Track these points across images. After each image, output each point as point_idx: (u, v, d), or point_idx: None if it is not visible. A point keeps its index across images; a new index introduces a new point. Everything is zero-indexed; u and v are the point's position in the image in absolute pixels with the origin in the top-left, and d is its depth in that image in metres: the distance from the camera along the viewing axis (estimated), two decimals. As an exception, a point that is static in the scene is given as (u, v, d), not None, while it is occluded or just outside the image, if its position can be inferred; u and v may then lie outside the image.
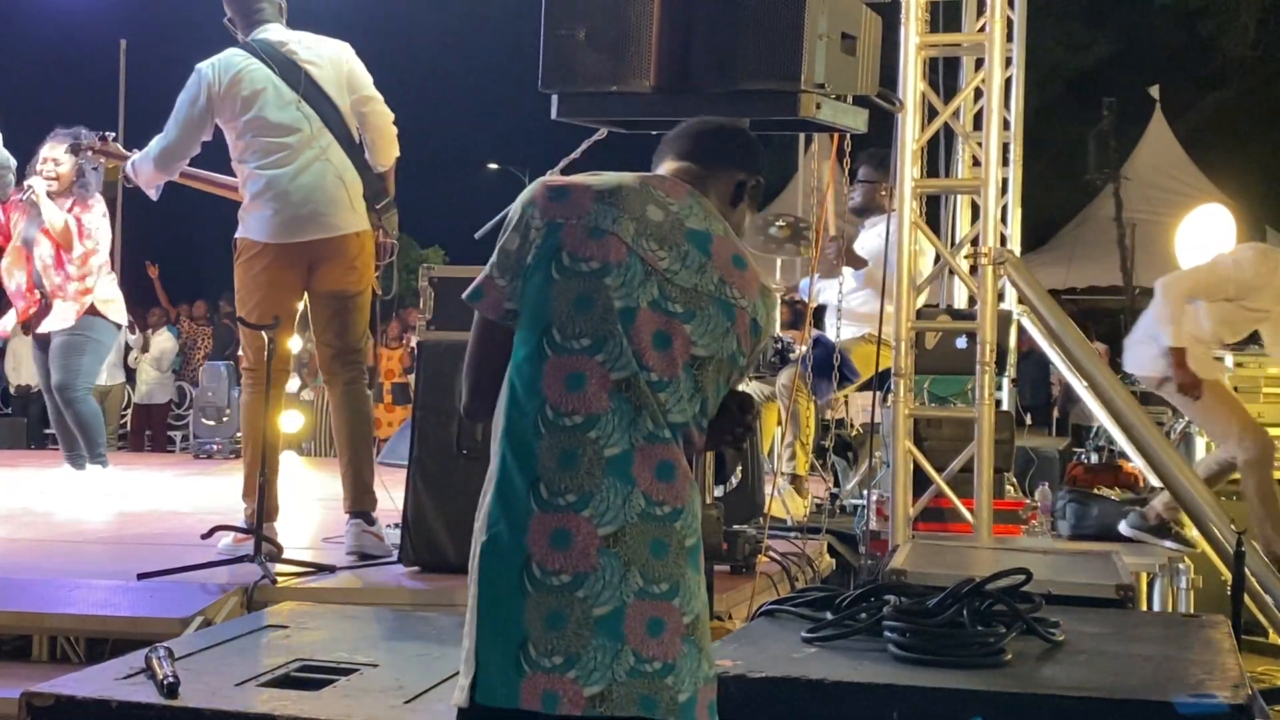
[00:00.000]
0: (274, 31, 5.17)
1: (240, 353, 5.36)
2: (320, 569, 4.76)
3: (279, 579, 4.56)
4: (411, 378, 12.75)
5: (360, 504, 5.11)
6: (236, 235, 5.15)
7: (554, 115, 4.08)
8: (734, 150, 2.51)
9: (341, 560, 4.97)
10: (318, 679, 3.26)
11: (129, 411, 13.98)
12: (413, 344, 13.09)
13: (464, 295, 2.33)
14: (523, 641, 2.16)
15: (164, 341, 13.97)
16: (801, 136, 11.38)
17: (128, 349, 13.13)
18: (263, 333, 4.91)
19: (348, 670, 3.33)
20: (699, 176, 2.43)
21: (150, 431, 13.94)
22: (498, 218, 6.76)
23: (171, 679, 3.06)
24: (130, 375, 13.78)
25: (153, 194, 5.41)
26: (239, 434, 10.25)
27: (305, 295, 5.15)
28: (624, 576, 2.18)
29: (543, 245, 2.26)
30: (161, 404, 14.01)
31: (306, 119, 5.07)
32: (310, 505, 7.03)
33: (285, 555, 4.86)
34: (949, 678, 2.83)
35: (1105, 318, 16.87)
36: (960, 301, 7.70)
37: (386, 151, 5.21)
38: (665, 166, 2.48)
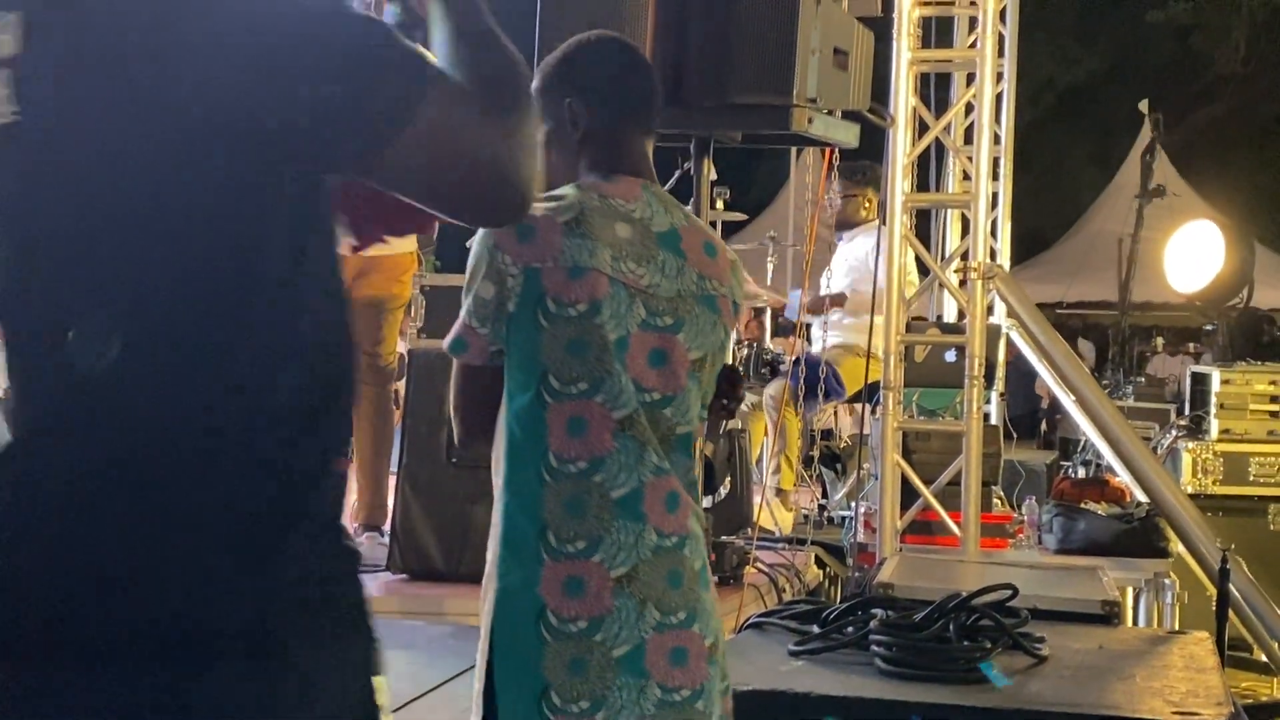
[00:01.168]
0: None
1: None
2: (308, 576, 4.76)
3: (266, 585, 4.56)
4: (400, 384, 12.81)
5: (374, 518, 5.12)
6: None
7: (547, 126, 4.08)
8: (653, 100, 2.43)
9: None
10: (305, 687, 3.26)
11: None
12: (402, 351, 13.10)
13: (446, 348, 2.28)
14: (544, 690, 2.14)
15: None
16: (793, 149, 11.41)
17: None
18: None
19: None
20: (638, 149, 2.36)
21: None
22: (489, 226, 6.81)
23: (159, 685, 3.06)
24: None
25: None
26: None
27: None
28: (640, 614, 2.17)
29: (524, 293, 2.18)
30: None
31: None
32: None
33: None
34: (935, 692, 2.84)
35: (1095, 332, 16.94)
36: (949, 315, 7.72)
37: None
38: (605, 150, 2.35)
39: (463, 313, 2.25)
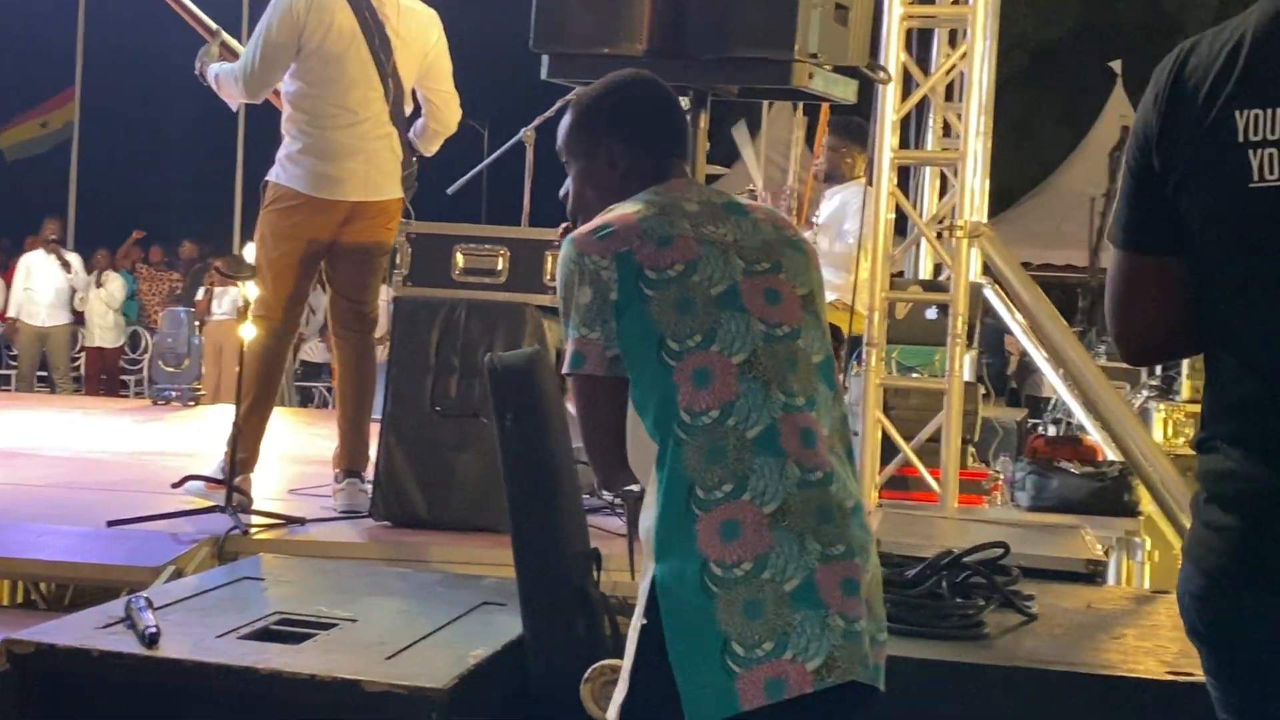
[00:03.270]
0: None
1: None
2: (291, 521, 4.75)
3: (249, 530, 4.55)
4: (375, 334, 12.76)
5: (356, 463, 5.09)
6: (271, 179, 5.05)
7: (544, 75, 4.06)
8: (687, 131, 2.61)
9: (310, 513, 4.95)
10: (297, 633, 3.26)
11: (81, 355, 13.87)
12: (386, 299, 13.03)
13: (566, 369, 2.33)
14: (724, 644, 2.14)
15: (115, 284, 13.81)
16: (764, 102, 11.38)
17: (73, 291, 13.00)
18: (238, 282, 4.88)
19: (327, 625, 3.33)
20: (677, 168, 2.49)
21: (104, 375, 13.82)
22: (472, 173, 6.76)
23: (153, 629, 3.06)
24: (79, 318, 13.62)
25: (233, 106, 5.30)
26: (197, 381, 10.24)
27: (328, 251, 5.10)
28: (802, 546, 2.18)
29: (621, 276, 2.28)
30: (113, 348, 13.89)
31: (375, 87, 4.97)
32: (273, 457, 6.99)
33: (254, 507, 4.85)
34: (930, 649, 2.87)
35: (1063, 290, 17.04)
36: (924, 272, 7.75)
37: (438, 143, 5.24)
38: (638, 165, 2.47)
39: (570, 331, 2.32)
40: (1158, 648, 2.94)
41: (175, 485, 4.96)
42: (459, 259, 4.86)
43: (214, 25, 5.30)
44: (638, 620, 2.27)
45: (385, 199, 5.06)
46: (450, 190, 6.66)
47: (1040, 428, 7.66)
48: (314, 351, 13.09)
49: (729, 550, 2.17)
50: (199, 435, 6.72)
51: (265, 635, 3.25)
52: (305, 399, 12.86)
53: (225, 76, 5.11)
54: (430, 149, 5.23)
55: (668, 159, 2.49)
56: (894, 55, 5.37)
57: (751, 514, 2.18)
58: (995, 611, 3.12)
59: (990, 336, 12.61)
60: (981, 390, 6.42)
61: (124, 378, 14.12)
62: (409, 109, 5.15)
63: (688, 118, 2.62)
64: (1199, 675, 2.71)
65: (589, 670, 2.84)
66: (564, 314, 2.35)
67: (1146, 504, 5.72)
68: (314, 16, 4.89)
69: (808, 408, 2.27)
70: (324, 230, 5.01)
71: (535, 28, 3.93)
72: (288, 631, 3.28)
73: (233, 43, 5.25)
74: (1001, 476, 6.01)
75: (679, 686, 2.17)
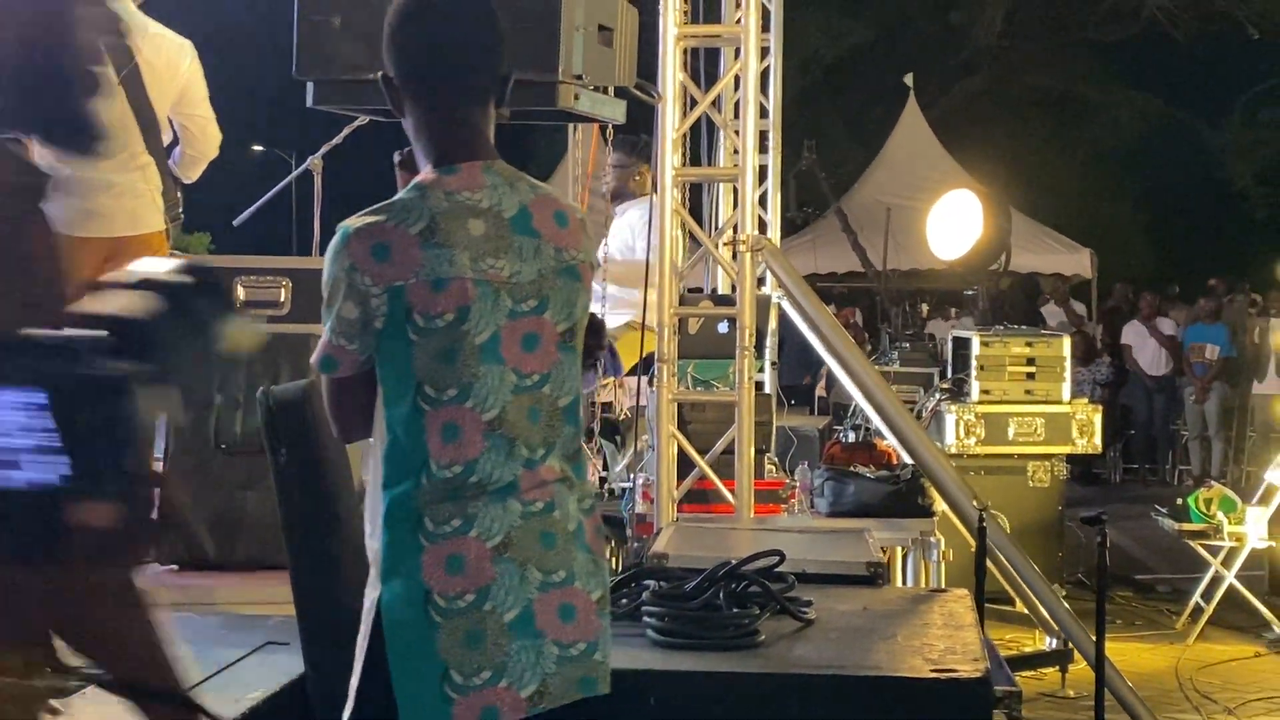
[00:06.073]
0: (119, 6, 4.82)
1: None
2: (70, 570, 4.58)
3: (26, 582, 4.38)
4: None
5: None
6: None
7: (309, 103, 4.01)
8: (473, 59, 2.34)
9: (94, 560, 4.79)
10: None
11: None
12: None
13: (315, 366, 2.30)
14: (443, 672, 2.18)
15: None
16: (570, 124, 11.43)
17: None
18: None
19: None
20: (471, 126, 2.31)
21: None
22: (258, 204, 6.64)
23: (-96, 693, 2.92)
24: None
25: None
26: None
27: None
28: (523, 577, 2.22)
29: (390, 312, 2.21)
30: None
31: (124, 114, 4.85)
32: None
33: (33, 557, 4.68)
34: (705, 661, 2.90)
35: (864, 298, 17.43)
36: (724, 288, 7.84)
37: (199, 169, 5.16)
38: (433, 132, 2.31)
39: (327, 332, 2.27)
40: (925, 646, 3.01)
41: (-55, 539, 4.75)
42: (240, 292, 4.77)
43: None
44: (363, 640, 2.29)
45: (148, 232, 4.96)
46: (236, 222, 6.54)
47: (841, 435, 7.81)
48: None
49: (453, 583, 2.20)
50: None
51: (29, 691, 3.12)
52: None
53: None
54: (190, 175, 5.18)
55: (459, 116, 2.30)
56: (671, 75, 5.43)
57: (476, 549, 2.21)
58: (772, 619, 3.16)
59: (795, 348, 12.85)
60: (776, 400, 6.52)
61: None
62: (167, 138, 5.06)
63: (478, 42, 2.32)
64: (962, 671, 2.80)
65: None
66: (325, 306, 2.28)
67: (941, 504, 5.88)
68: None
69: (545, 459, 2.29)
70: (86, 270, 4.85)
71: (297, 55, 3.88)
72: (54, 686, 3.15)
73: None
74: (799, 484, 6.10)
75: (399, 707, 2.21)
